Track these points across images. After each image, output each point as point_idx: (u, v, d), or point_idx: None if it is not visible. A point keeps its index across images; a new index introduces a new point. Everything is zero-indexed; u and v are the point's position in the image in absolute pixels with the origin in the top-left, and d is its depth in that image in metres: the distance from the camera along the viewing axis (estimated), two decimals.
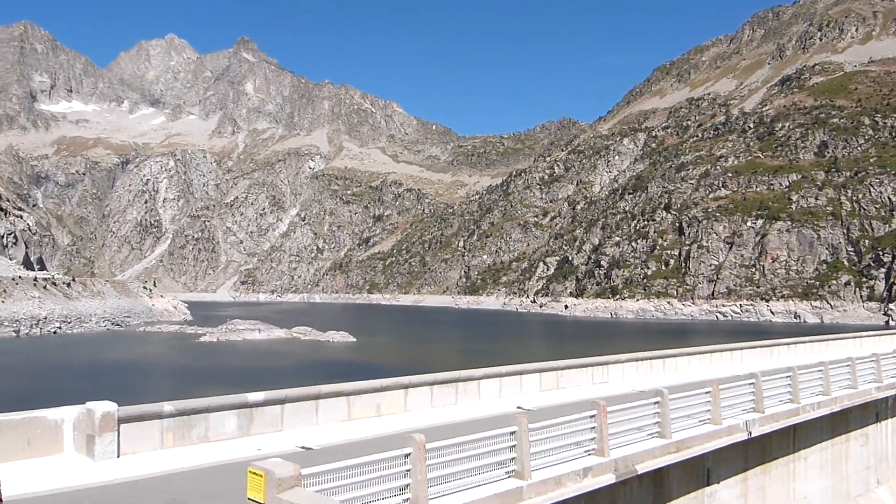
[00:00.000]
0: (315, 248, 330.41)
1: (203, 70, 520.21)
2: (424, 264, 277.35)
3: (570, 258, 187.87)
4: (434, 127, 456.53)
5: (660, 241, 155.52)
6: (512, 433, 11.12)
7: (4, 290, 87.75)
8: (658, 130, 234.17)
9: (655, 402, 14.60)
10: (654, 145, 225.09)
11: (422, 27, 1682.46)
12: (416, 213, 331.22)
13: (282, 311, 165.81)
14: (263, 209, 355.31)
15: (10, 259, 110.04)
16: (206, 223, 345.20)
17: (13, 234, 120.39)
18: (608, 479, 12.79)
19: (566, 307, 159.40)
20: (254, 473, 8.21)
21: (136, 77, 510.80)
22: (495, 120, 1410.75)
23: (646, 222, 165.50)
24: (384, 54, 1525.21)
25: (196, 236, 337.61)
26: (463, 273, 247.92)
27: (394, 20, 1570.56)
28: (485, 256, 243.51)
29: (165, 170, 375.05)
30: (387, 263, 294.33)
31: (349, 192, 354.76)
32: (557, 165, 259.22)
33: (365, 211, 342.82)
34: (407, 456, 9.34)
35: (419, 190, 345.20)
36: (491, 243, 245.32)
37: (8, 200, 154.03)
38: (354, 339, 74.51)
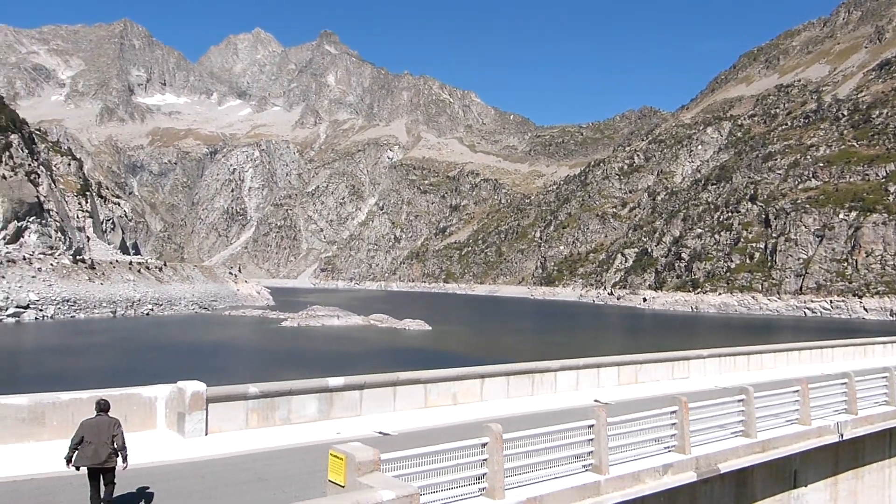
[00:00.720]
0: (392, 237, 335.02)
1: (287, 63, 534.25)
2: (500, 254, 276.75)
3: (649, 250, 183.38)
4: (512, 117, 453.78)
5: (745, 233, 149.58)
6: (590, 426, 10.97)
7: (103, 273, 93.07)
8: (744, 119, 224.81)
9: (740, 400, 14.10)
10: (739, 134, 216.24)
11: (501, 18, 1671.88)
12: (492, 203, 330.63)
13: (359, 298, 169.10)
14: (343, 198, 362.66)
15: (109, 244, 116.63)
16: (289, 211, 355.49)
17: (111, 221, 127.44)
18: (689, 476, 12.45)
19: (644, 300, 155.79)
20: (335, 456, 8.40)
21: (224, 70, 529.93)
22: (574, 109, 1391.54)
23: (730, 214, 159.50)
24: (463, 45, 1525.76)
25: (279, 224, 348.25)
26: (539, 264, 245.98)
27: (473, 11, 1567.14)
28: (561, 247, 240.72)
29: (251, 160, 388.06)
30: (463, 253, 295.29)
31: (427, 181, 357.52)
32: (637, 155, 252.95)
33: (442, 201, 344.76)
34: (484, 445, 9.36)
35: (496, 180, 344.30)
36: (568, 234, 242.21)
37: (107, 189, 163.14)
38: (430, 328, 75.13)
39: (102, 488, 9.27)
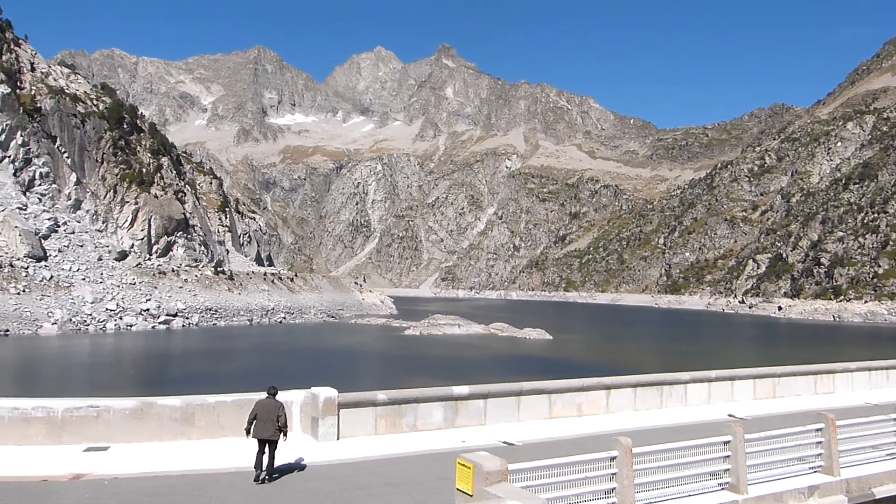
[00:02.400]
0: (512, 245, 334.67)
1: (407, 78, 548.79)
2: (622, 262, 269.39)
3: (783, 255, 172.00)
4: (632, 121, 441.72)
5: (894, 235, 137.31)
6: (726, 443, 10.45)
7: (241, 284, 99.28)
8: (890, 112, 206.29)
9: None
10: (885, 128, 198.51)
11: (618, 19, 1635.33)
12: (613, 209, 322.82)
13: (479, 307, 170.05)
14: (462, 208, 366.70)
15: (245, 256, 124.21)
16: (410, 222, 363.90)
17: (248, 234, 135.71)
18: (839, 500, 11.55)
19: (780, 308, 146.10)
20: (463, 465, 8.50)
21: (348, 89, 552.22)
22: (697, 110, 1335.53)
23: (875, 215, 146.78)
24: (580, 51, 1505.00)
25: (401, 235, 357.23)
26: (663, 271, 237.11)
27: (589, 16, 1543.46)
28: (687, 254, 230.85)
29: (374, 173, 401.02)
30: (583, 261, 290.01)
31: (545, 189, 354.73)
32: (769, 155, 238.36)
33: (561, 208, 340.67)
34: (613, 459, 9.15)
35: (616, 186, 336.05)
36: (694, 240, 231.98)
37: (244, 204, 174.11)
38: (550, 337, 74.28)
39: (265, 458, 11.68)
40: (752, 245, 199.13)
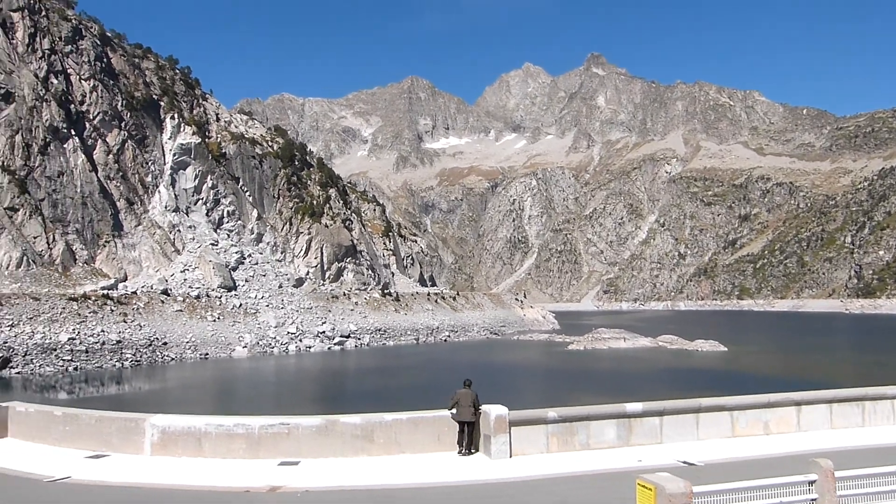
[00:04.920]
0: (677, 253, 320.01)
1: (557, 91, 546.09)
2: (803, 265, 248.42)
3: None
4: (805, 111, 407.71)
5: None
6: None
7: (406, 305, 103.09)
8: None
9: None
10: None
11: (778, 3, 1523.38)
12: (788, 208, 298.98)
13: (645, 319, 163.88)
14: (621, 218, 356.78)
15: (409, 278, 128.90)
16: (568, 236, 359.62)
17: (410, 256, 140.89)
18: None
19: None
20: (643, 486, 8.22)
21: (499, 107, 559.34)
22: (882, 93, 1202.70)
23: None
24: (739, 43, 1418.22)
25: (559, 249, 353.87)
26: (853, 273, 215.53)
27: (744, 9, 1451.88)
28: (881, 252, 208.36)
29: (529, 189, 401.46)
30: (757, 266, 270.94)
31: (710, 192, 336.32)
32: None
33: (729, 211, 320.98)
34: (811, 483, 8.42)
35: (791, 183, 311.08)
36: (888, 236, 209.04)
37: (406, 228, 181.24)
38: (725, 349, 69.93)
39: (465, 438, 14.65)
40: None
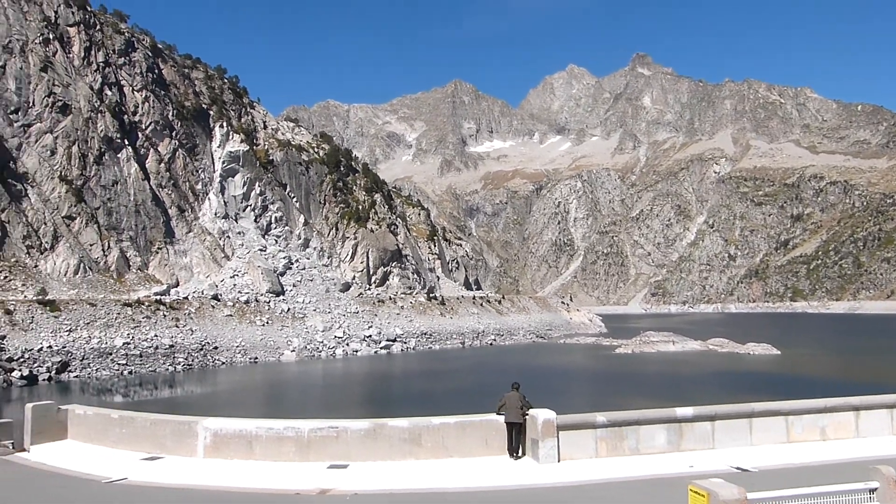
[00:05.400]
0: (726, 255, 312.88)
1: (602, 92, 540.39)
2: (859, 266, 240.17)
3: None
4: (859, 107, 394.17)
5: None
6: None
7: (452, 308, 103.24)
8: None
9: None
10: None
11: (825, 3, 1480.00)
12: (843, 208, 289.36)
13: (694, 322, 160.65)
14: (669, 219, 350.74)
15: (454, 281, 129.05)
16: (614, 238, 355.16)
17: (455, 260, 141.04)
18: None
19: None
20: (696, 493, 8.07)
21: (543, 110, 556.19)
22: None
23: None
24: (790, 39, 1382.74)
25: (605, 251, 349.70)
26: None
27: (793, 5, 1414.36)
28: None
29: (574, 191, 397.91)
30: (811, 267, 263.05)
31: (761, 192, 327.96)
32: None
33: (781, 211, 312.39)
34: (873, 491, 8.14)
35: (846, 181, 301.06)
36: None
37: (450, 232, 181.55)
38: (779, 352, 68.07)
39: (514, 437, 14.72)
40: None
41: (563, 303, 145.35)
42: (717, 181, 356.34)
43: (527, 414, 14.77)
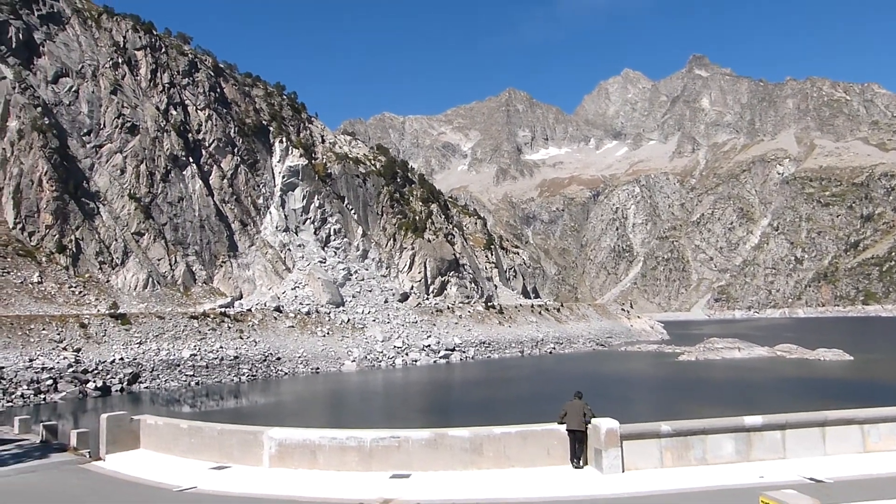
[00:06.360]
0: (793, 258, 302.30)
1: (658, 96, 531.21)
2: None
3: None
4: None
5: None
6: None
7: (510, 317, 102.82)
8: None
9: None
10: None
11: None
12: None
13: (760, 327, 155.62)
14: (731, 223, 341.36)
15: (512, 290, 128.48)
16: (675, 243, 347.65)
17: (513, 269, 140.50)
18: None
19: None
20: None
21: (598, 115, 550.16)
22: None
23: None
24: (855, 33, 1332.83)
25: (666, 257, 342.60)
26: None
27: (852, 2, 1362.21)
28: None
29: (632, 196, 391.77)
30: (884, 269, 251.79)
31: (827, 193, 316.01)
32: None
33: (850, 212, 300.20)
34: None
35: None
36: None
37: (507, 240, 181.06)
38: (851, 358, 65.35)
39: (577, 445, 14.61)
40: None
41: (623, 310, 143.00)
42: (781, 182, 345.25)
43: (589, 423, 14.58)
